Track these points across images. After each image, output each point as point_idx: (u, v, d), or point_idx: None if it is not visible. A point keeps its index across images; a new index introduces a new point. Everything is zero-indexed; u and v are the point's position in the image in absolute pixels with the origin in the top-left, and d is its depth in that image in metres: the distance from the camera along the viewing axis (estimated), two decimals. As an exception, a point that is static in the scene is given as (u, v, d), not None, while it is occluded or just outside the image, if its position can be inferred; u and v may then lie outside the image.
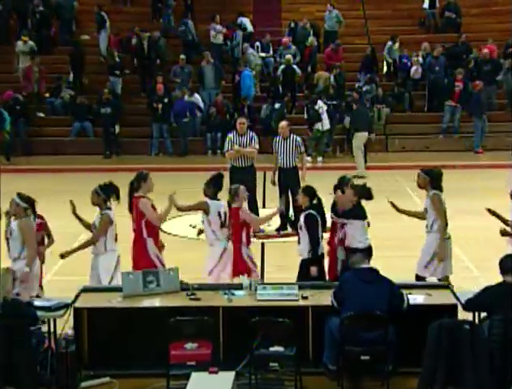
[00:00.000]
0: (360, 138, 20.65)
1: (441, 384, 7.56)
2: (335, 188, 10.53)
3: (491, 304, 7.99)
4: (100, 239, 9.79)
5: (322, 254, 10.17)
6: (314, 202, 10.14)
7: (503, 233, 10.04)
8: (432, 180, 10.25)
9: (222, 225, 10.16)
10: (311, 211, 10.01)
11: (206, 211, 10.12)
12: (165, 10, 27.34)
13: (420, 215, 10.54)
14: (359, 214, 10.20)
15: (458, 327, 7.68)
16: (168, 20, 27.20)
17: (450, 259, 10.27)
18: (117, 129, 23.50)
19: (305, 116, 22.72)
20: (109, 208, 9.84)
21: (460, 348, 7.53)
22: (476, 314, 8.50)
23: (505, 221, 10.27)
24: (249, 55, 25.21)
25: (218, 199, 10.25)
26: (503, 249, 9.07)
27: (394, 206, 10.75)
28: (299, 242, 10.14)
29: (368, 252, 10.12)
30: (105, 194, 9.80)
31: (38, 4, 26.36)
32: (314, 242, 9.94)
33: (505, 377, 7.66)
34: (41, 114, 24.65)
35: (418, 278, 10.08)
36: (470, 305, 8.33)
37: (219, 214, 10.14)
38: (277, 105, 23.37)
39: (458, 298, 8.65)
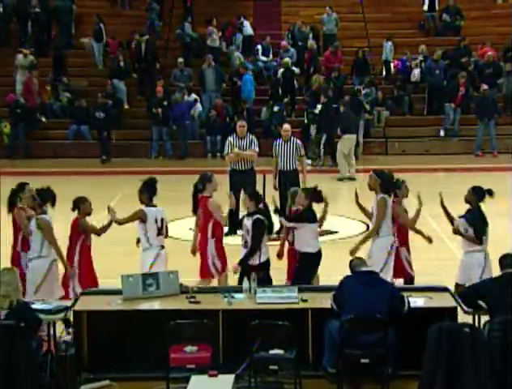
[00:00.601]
0: (346, 141, 20.54)
1: (441, 387, 7.54)
2: None
3: (491, 297, 7.99)
4: (36, 243, 9.68)
5: (268, 260, 9.97)
6: (260, 206, 9.97)
7: (455, 232, 9.88)
8: (382, 182, 10.06)
9: (159, 233, 9.93)
10: (260, 217, 9.84)
11: (143, 220, 9.86)
12: (149, 13, 27.25)
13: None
14: (310, 217, 10.12)
15: (458, 329, 7.66)
16: (152, 23, 27.09)
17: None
18: (113, 136, 23.52)
19: (305, 120, 22.72)
20: (45, 213, 9.74)
21: (460, 351, 7.52)
22: (476, 316, 8.51)
23: (450, 218, 10.08)
24: (234, 58, 25.21)
25: (154, 205, 10.00)
26: (503, 250, 9.03)
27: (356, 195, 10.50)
28: (245, 246, 9.97)
29: (317, 258, 10.10)
30: (41, 199, 9.71)
31: (35, 6, 26.30)
32: (253, 249, 9.79)
33: (506, 380, 7.65)
34: (43, 118, 24.55)
35: None
36: (465, 297, 8.33)
37: (156, 221, 9.90)
38: (276, 108, 23.36)
39: (457, 300, 8.64)
